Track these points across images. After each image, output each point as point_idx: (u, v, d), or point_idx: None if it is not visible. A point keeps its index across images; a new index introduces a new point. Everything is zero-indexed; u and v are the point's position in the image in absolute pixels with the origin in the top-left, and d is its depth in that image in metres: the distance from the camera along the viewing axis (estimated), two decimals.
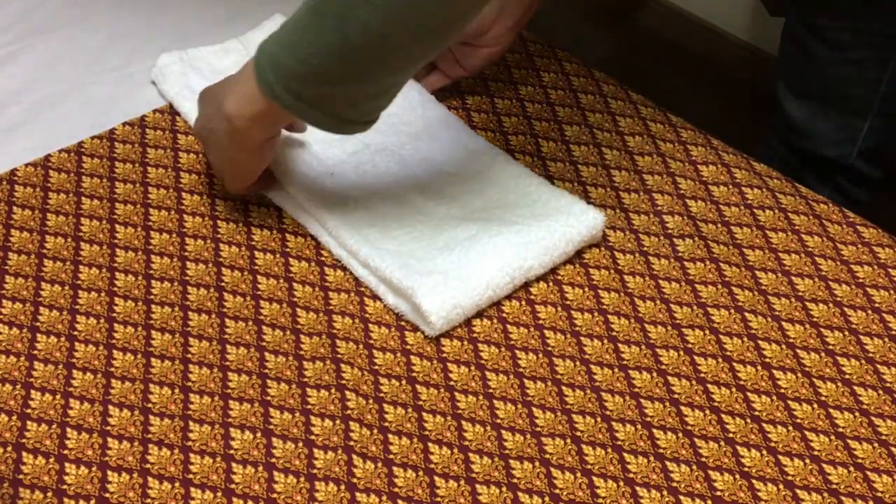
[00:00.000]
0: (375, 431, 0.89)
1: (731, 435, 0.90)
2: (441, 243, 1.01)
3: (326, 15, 0.86)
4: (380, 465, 0.87)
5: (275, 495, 0.85)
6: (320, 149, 1.09)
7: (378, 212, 1.05)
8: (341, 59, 0.87)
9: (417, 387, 0.92)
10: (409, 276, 0.96)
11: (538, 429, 0.90)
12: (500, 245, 0.99)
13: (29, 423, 0.89)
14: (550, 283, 1.01)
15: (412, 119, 1.14)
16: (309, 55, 0.87)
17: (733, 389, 0.93)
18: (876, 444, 0.90)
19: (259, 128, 0.95)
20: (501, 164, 1.10)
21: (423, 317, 0.95)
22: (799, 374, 0.95)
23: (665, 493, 0.86)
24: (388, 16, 0.85)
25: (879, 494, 0.87)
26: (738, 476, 0.87)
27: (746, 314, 0.99)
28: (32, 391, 0.91)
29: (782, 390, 0.93)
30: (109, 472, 0.86)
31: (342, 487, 0.85)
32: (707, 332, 0.98)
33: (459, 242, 1.01)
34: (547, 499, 0.85)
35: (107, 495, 0.84)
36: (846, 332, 0.98)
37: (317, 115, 0.91)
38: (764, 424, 0.91)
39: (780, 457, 0.89)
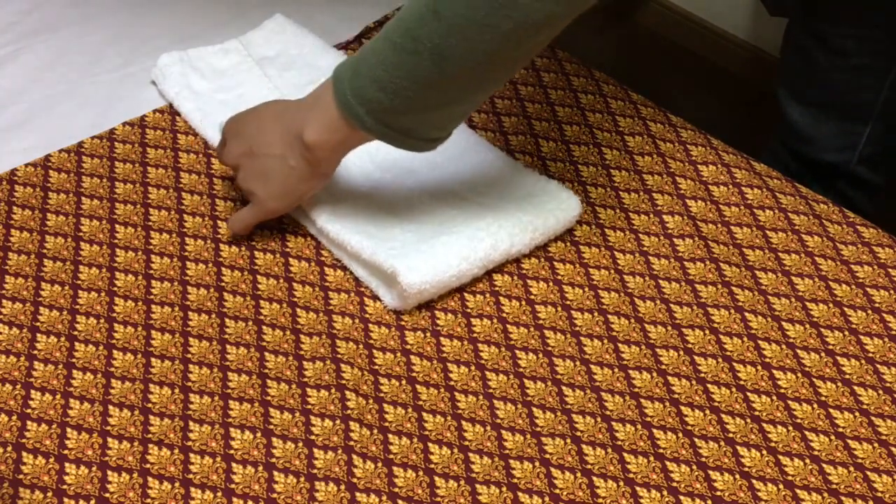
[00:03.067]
0: (375, 431, 0.89)
1: (731, 435, 0.90)
2: (411, 222, 1.03)
3: (420, 53, 0.88)
4: (380, 465, 0.87)
5: (275, 495, 0.85)
6: None
7: (351, 192, 1.06)
8: (439, 90, 0.90)
9: (417, 387, 0.92)
10: (378, 247, 0.98)
11: (538, 429, 0.90)
12: (472, 221, 1.02)
13: (29, 423, 0.89)
14: (550, 283, 1.01)
15: None
16: (403, 89, 0.90)
17: (733, 389, 0.93)
18: (876, 444, 0.90)
19: (339, 154, 0.98)
20: (479, 150, 1.12)
21: (393, 280, 0.97)
22: (799, 374, 0.95)
23: (665, 493, 0.86)
24: (487, 48, 0.87)
25: (879, 494, 0.87)
26: (738, 476, 0.87)
27: (746, 314, 0.99)
28: (32, 391, 0.91)
29: (782, 390, 0.93)
30: (109, 472, 0.86)
31: (342, 487, 0.85)
32: (707, 332, 0.98)
33: (429, 222, 1.03)
34: (547, 499, 0.85)
35: (107, 495, 0.84)
36: (846, 332, 0.98)
37: (409, 141, 0.95)
38: (764, 424, 0.91)
39: (780, 457, 0.89)
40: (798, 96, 1.37)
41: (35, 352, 0.94)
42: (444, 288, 0.98)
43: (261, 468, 0.86)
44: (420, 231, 1.02)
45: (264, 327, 0.96)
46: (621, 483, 0.87)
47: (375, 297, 0.99)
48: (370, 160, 1.08)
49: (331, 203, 1.03)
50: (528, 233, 1.02)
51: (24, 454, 0.87)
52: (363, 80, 0.91)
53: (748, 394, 0.93)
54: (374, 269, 0.99)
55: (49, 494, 0.84)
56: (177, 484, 0.85)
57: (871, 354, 0.96)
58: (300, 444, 0.88)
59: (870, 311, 1.00)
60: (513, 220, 1.02)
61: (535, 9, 0.84)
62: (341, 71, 0.93)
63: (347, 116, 0.92)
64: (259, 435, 0.88)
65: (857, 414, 0.92)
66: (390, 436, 0.89)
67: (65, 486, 0.85)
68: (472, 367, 0.94)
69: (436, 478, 0.86)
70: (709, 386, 0.93)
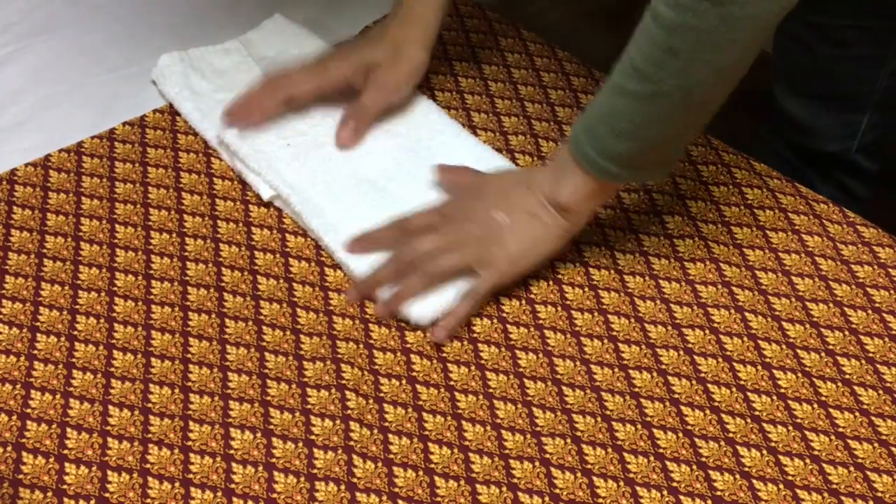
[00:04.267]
0: (375, 431, 0.89)
1: (731, 435, 0.90)
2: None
3: (666, 94, 0.89)
4: (380, 465, 0.87)
5: (275, 495, 0.85)
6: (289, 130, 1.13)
7: (339, 188, 1.07)
8: (687, 119, 0.94)
9: (417, 387, 0.92)
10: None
11: (538, 429, 0.90)
12: None
13: (29, 423, 0.89)
14: (550, 283, 1.01)
15: None
16: (650, 132, 0.93)
17: (733, 389, 0.93)
18: (876, 444, 0.90)
19: (588, 212, 1.00)
20: (468, 142, 1.13)
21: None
22: (799, 374, 0.95)
23: (665, 493, 0.86)
24: (730, 62, 0.89)
25: (879, 494, 0.87)
26: (738, 476, 0.87)
27: (746, 314, 0.99)
28: (32, 391, 0.91)
29: (782, 390, 0.93)
30: (109, 472, 0.86)
31: (342, 487, 0.85)
32: (707, 332, 0.98)
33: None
34: (547, 499, 0.85)
35: (107, 495, 0.84)
36: (846, 332, 0.98)
37: (660, 171, 1.02)
38: (764, 424, 0.91)
39: (780, 457, 0.89)
40: (796, 88, 1.37)
41: (35, 352, 0.94)
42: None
43: (261, 468, 0.86)
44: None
45: (264, 327, 0.96)
46: (621, 483, 0.87)
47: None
48: (371, 187, 1.08)
49: (334, 225, 1.03)
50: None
51: (24, 454, 0.87)
52: (604, 138, 0.93)
53: (748, 394, 0.93)
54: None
55: (49, 494, 0.84)
56: (177, 484, 0.85)
57: (871, 354, 0.96)
58: (300, 444, 0.88)
59: (870, 311, 1.00)
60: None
61: (766, 3, 0.86)
62: (577, 137, 0.95)
63: (601, 175, 0.95)
64: (259, 435, 0.88)
65: (857, 414, 0.92)
66: (390, 436, 0.89)
67: (65, 486, 0.85)
68: (472, 367, 0.94)
69: (436, 478, 0.86)
70: (709, 386, 0.93)
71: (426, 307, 0.96)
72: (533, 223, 0.98)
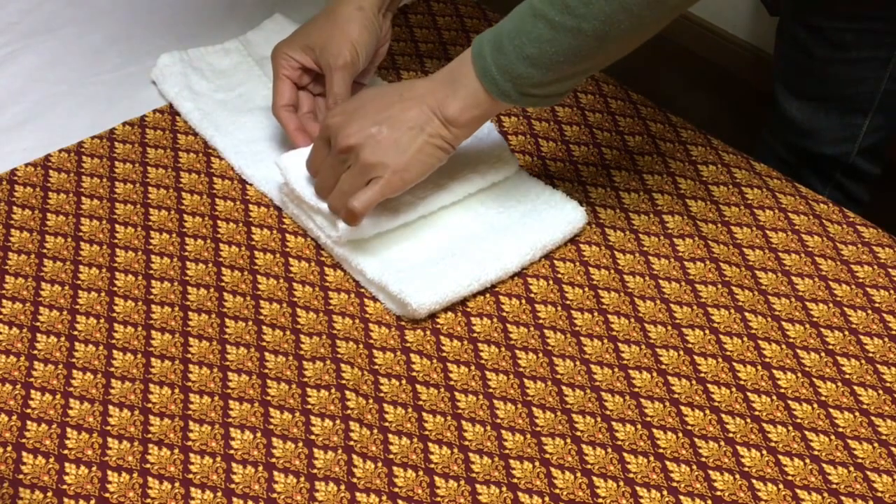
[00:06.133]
0: (375, 431, 0.89)
1: (731, 435, 0.90)
2: (417, 241, 1.03)
3: (584, 31, 0.90)
4: (380, 465, 0.87)
5: (275, 495, 0.85)
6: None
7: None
8: (594, 60, 0.95)
9: (417, 387, 0.92)
10: (386, 269, 0.99)
11: (538, 429, 0.90)
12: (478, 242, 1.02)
13: (29, 423, 0.89)
14: (550, 283, 1.01)
15: None
16: (558, 63, 0.93)
17: (733, 389, 0.93)
18: (876, 444, 0.90)
19: (476, 126, 1.00)
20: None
21: (401, 301, 0.97)
22: (799, 374, 0.95)
23: (665, 493, 0.86)
24: (653, 20, 0.91)
25: (879, 494, 0.87)
26: (738, 476, 0.87)
27: (746, 314, 0.99)
28: (32, 391, 0.91)
29: (782, 390, 0.93)
30: (109, 472, 0.86)
31: (342, 487, 0.85)
32: (707, 332, 0.98)
33: (435, 241, 1.03)
34: (547, 499, 0.85)
35: (107, 495, 0.84)
36: (846, 332, 0.98)
37: (546, 101, 0.99)
38: (764, 424, 0.91)
39: (780, 457, 0.89)
40: (796, 91, 1.37)
41: (35, 352, 0.94)
42: (450, 303, 0.98)
43: (261, 468, 0.86)
44: (426, 251, 1.02)
45: (264, 327, 0.96)
46: (621, 483, 0.87)
47: (375, 298, 0.99)
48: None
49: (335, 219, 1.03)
50: (537, 251, 1.02)
51: (24, 454, 0.87)
52: (510, 57, 0.93)
53: (748, 394, 0.93)
54: (379, 288, 0.99)
55: (49, 494, 0.84)
56: (177, 484, 0.85)
57: (871, 354, 0.96)
58: (300, 444, 0.88)
59: (870, 311, 1.00)
60: (520, 241, 1.02)
61: None
62: (482, 48, 0.95)
63: (493, 92, 0.95)
64: (259, 435, 0.88)
65: (857, 414, 0.92)
66: (390, 436, 0.89)
67: (65, 486, 0.85)
68: (472, 367, 0.94)
69: (436, 478, 0.86)
70: (709, 386, 0.93)
71: (424, 294, 0.96)
72: (416, 136, 0.98)
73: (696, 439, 0.90)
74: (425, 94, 0.98)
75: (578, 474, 0.87)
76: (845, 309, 1.00)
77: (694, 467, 0.88)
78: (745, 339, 0.97)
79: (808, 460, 0.89)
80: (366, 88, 1.09)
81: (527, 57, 0.93)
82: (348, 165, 0.98)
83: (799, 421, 0.91)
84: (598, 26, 0.90)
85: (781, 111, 1.39)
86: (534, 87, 0.95)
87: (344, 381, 0.92)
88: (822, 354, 0.96)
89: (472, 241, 1.03)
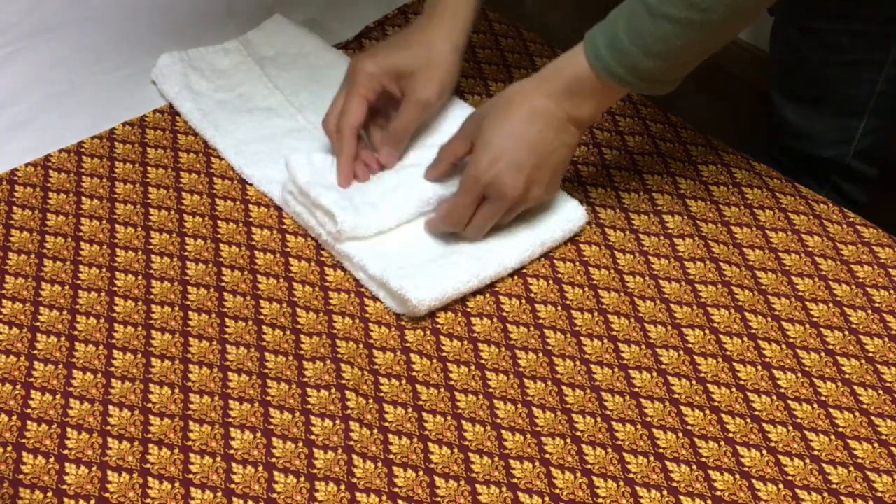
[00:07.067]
0: (375, 431, 0.89)
1: (731, 435, 0.90)
2: (418, 239, 1.03)
3: (710, 23, 0.92)
4: (380, 465, 0.87)
5: (275, 495, 0.85)
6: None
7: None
8: (713, 47, 0.97)
9: (417, 386, 0.92)
10: (388, 266, 0.98)
11: (538, 429, 0.90)
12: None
13: (29, 423, 0.89)
14: (550, 282, 1.01)
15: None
16: (681, 55, 0.96)
17: (733, 389, 0.93)
18: (876, 444, 0.90)
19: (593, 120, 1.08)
20: None
21: (402, 298, 0.97)
22: (799, 374, 0.95)
23: (665, 493, 0.86)
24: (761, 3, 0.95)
25: (879, 494, 0.87)
26: (738, 476, 0.87)
27: (746, 314, 0.99)
28: (32, 391, 0.91)
29: (782, 390, 0.93)
30: (109, 472, 0.86)
31: (342, 487, 0.85)
32: (707, 332, 0.98)
33: (436, 239, 1.03)
34: (547, 499, 0.85)
35: (107, 495, 0.84)
36: (846, 332, 0.98)
37: (666, 86, 1.00)
38: (764, 424, 0.91)
39: (780, 457, 0.89)
40: (792, 94, 1.37)
41: (35, 352, 0.94)
42: (450, 300, 0.98)
43: (261, 468, 0.86)
44: (427, 249, 1.02)
45: (264, 327, 0.96)
46: (621, 483, 0.87)
47: (375, 298, 0.99)
48: (372, 177, 1.07)
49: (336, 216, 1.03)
50: (536, 248, 1.02)
51: (24, 454, 0.87)
52: (636, 58, 0.94)
53: (748, 394, 0.93)
54: (380, 285, 0.99)
55: (49, 494, 0.84)
56: (177, 484, 0.85)
57: (871, 354, 0.96)
58: (300, 444, 0.88)
59: (870, 311, 1.00)
60: (520, 238, 1.02)
61: None
62: (599, 54, 0.96)
63: (622, 86, 0.98)
64: (259, 435, 0.88)
65: (857, 414, 0.92)
66: (390, 436, 0.89)
67: (65, 486, 0.85)
68: (472, 367, 0.94)
69: (436, 478, 0.86)
70: (709, 386, 0.93)
71: (424, 290, 0.96)
72: (566, 152, 1.01)
73: (696, 439, 0.90)
74: (552, 107, 0.99)
75: (578, 474, 0.87)
76: (845, 309, 1.00)
77: (694, 467, 0.88)
78: (745, 339, 0.97)
79: (808, 460, 0.89)
80: (472, 116, 1.04)
81: (655, 55, 0.94)
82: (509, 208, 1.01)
83: (799, 421, 0.91)
84: (724, 12, 0.91)
85: (777, 114, 1.40)
86: (665, 75, 0.97)
87: (344, 381, 0.92)
88: (822, 354, 0.96)
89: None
